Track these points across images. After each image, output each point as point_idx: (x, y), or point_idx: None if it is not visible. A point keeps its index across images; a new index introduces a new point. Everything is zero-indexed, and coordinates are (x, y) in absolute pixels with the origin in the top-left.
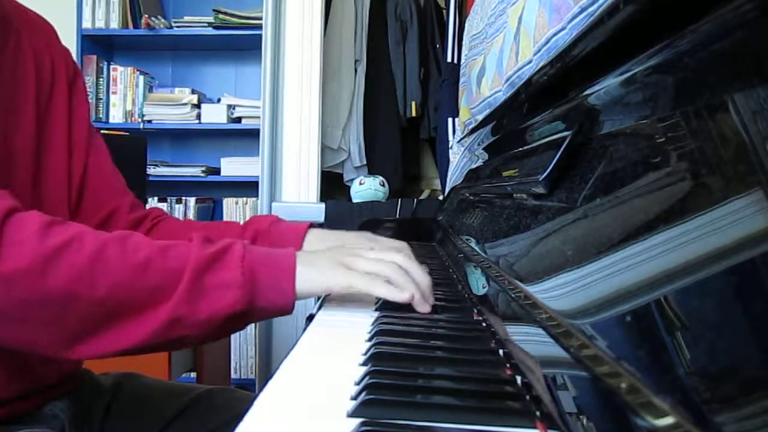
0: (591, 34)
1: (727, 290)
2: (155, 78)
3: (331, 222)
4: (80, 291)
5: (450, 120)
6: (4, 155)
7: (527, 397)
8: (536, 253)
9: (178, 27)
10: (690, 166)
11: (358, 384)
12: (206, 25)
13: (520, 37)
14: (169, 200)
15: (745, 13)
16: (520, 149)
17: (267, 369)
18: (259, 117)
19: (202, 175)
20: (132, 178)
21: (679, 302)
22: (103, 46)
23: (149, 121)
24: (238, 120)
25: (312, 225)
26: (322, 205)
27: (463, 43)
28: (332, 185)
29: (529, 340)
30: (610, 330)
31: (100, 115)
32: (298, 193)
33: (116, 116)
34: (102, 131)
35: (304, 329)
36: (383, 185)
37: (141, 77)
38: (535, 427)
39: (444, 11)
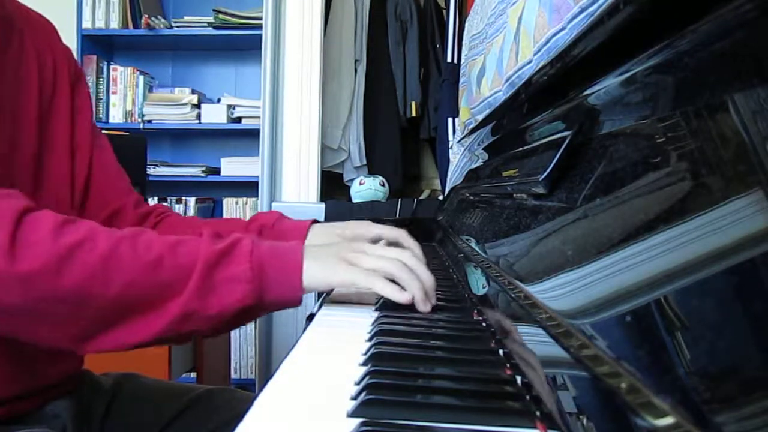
0: (591, 34)
1: (727, 290)
2: (155, 78)
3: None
4: (94, 289)
5: (450, 120)
6: (7, 156)
7: (527, 397)
8: (536, 253)
9: (178, 27)
10: (690, 166)
11: (358, 384)
12: (206, 25)
13: (520, 37)
14: (169, 200)
15: (745, 13)
16: (520, 149)
17: (267, 369)
18: (259, 117)
19: (202, 175)
20: (132, 178)
21: (679, 302)
22: (103, 46)
23: (149, 121)
24: (238, 120)
25: (315, 221)
26: (322, 205)
27: (463, 43)
28: (332, 185)
29: (529, 340)
30: (610, 330)
31: (100, 115)
32: (298, 193)
33: (116, 116)
34: (102, 131)
35: (304, 329)
36: (383, 185)
37: (141, 77)
38: (535, 427)
39: (444, 11)
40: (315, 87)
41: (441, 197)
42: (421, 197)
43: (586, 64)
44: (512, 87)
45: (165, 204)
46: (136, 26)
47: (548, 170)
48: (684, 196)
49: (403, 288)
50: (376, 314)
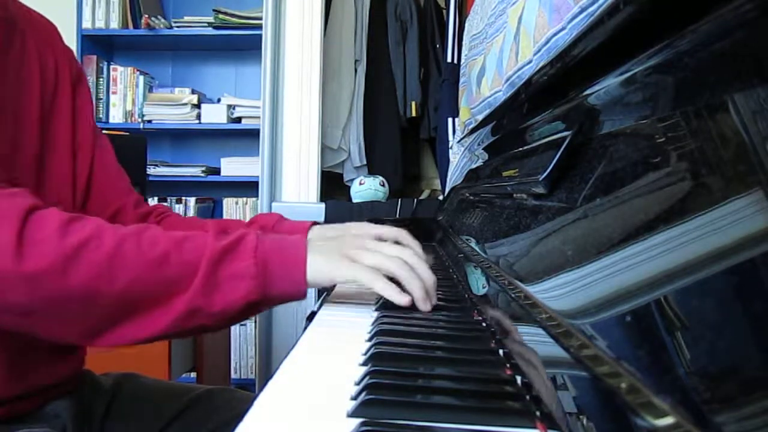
0: (591, 34)
1: (727, 290)
2: (155, 78)
3: (331, 222)
4: (101, 287)
5: (450, 120)
6: (9, 157)
7: (527, 397)
8: (536, 253)
9: (178, 27)
10: (690, 166)
11: (358, 384)
12: (206, 25)
13: (520, 37)
14: (169, 200)
15: (745, 13)
16: (520, 149)
17: (267, 369)
18: (259, 117)
19: (202, 175)
20: (132, 178)
21: (679, 302)
22: (103, 46)
23: (149, 121)
24: (238, 120)
25: (315, 223)
26: (322, 205)
27: (463, 43)
28: (332, 185)
29: (529, 340)
30: (610, 330)
31: (100, 115)
32: (298, 193)
33: (116, 116)
34: (102, 131)
35: (304, 329)
36: (383, 185)
37: (141, 77)
38: (535, 427)
39: (444, 11)
40: (315, 87)
41: (441, 197)
42: (421, 197)
43: (586, 64)
44: (512, 87)
45: (165, 204)
46: (136, 26)
47: (548, 170)
48: (684, 196)
49: (403, 287)
50: (376, 314)
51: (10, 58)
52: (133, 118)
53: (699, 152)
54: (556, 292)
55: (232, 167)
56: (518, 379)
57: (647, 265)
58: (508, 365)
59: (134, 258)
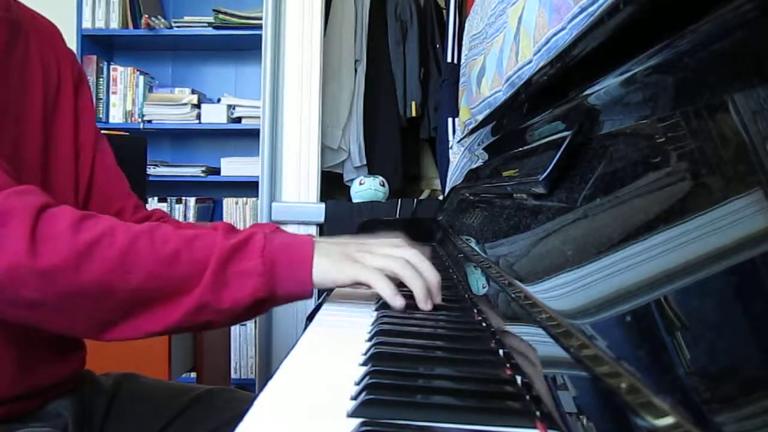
0: (591, 34)
1: (727, 290)
2: (155, 78)
3: (331, 222)
4: (113, 283)
5: (450, 120)
6: (13, 157)
7: (527, 397)
8: (536, 253)
9: (178, 27)
10: (690, 166)
11: (358, 384)
12: (206, 25)
13: (520, 37)
14: (169, 200)
15: (745, 13)
16: (520, 149)
17: (267, 369)
18: (259, 117)
19: (202, 175)
20: (132, 178)
21: (679, 302)
22: (103, 46)
23: (149, 121)
24: (238, 120)
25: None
26: (322, 205)
27: (463, 43)
28: (332, 185)
29: (529, 340)
30: (610, 330)
31: (100, 115)
32: (298, 193)
33: (116, 116)
34: (102, 131)
35: (304, 329)
36: (383, 185)
37: (141, 77)
38: (535, 427)
39: (444, 11)
40: (315, 87)
41: (441, 197)
42: (421, 197)
43: (586, 64)
44: (512, 87)
45: (165, 204)
46: (136, 26)
47: (548, 170)
48: (684, 196)
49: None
50: (376, 314)
51: (14, 59)
52: (133, 118)
53: (699, 152)
54: (556, 292)
55: (232, 167)
56: (518, 379)
57: (647, 265)
58: (508, 365)
59: (146, 255)
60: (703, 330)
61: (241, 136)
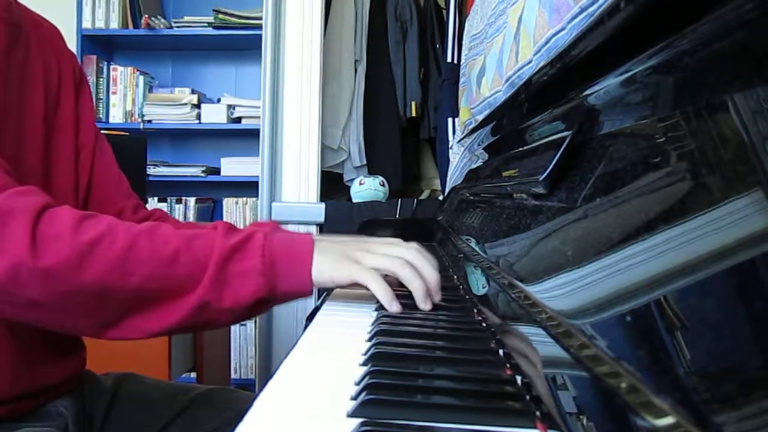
0: (591, 35)
1: (727, 290)
2: (155, 78)
3: (331, 222)
4: (114, 283)
5: (450, 120)
6: (14, 158)
7: (527, 397)
8: (536, 253)
9: (178, 27)
10: (690, 166)
11: (358, 384)
12: (206, 25)
13: (520, 37)
14: (169, 200)
15: (745, 13)
16: (520, 149)
17: (267, 369)
18: (259, 117)
19: (202, 175)
20: (132, 178)
21: (679, 302)
22: (103, 46)
23: (149, 121)
24: (238, 120)
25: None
26: (322, 205)
27: (463, 43)
28: (332, 185)
29: (529, 341)
30: (610, 330)
31: (100, 115)
32: (298, 193)
33: (116, 116)
34: (102, 131)
35: (304, 329)
36: (383, 185)
37: (141, 77)
38: (535, 427)
39: (444, 11)
40: (315, 87)
41: (441, 197)
42: (421, 197)
43: (586, 64)
44: (512, 87)
45: (165, 204)
46: (136, 26)
47: (548, 170)
48: (684, 196)
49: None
50: (375, 314)
51: (15, 60)
52: (133, 118)
53: (699, 152)
54: (556, 292)
55: (232, 167)
56: (518, 379)
57: (647, 265)
58: (508, 365)
59: (147, 255)
60: (703, 330)
61: (241, 136)
